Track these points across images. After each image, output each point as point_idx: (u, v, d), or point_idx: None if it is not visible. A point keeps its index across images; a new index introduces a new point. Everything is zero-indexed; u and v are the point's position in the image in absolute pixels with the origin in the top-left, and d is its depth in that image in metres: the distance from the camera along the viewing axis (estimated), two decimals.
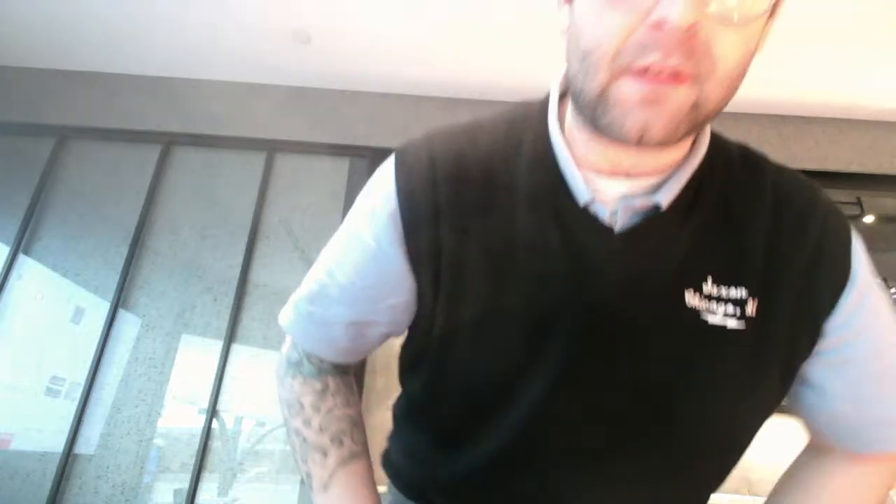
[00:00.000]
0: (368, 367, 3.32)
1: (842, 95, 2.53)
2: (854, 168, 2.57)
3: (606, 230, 0.46)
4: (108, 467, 2.01)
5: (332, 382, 0.62)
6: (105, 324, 2.18)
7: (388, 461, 0.68)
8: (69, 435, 2.01)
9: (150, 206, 2.41)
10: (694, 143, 0.48)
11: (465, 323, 0.48)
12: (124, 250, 2.31)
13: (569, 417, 0.48)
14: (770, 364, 0.47)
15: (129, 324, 2.21)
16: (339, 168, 2.53)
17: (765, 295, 0.46)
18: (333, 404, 0.61)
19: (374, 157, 2.57)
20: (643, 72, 0.38)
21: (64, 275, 2.30)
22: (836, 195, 3.54)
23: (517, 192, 0.49)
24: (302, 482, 2.01)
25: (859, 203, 3.69)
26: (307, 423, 0.59)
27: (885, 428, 0.50)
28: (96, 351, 2.13)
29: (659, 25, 0.36)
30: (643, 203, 0.46)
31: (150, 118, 2.55)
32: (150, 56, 2.52)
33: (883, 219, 3.70)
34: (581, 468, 0.50)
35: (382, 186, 0.53)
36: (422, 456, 0.61)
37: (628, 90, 0.39)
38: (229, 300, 2.26)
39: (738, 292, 0.46)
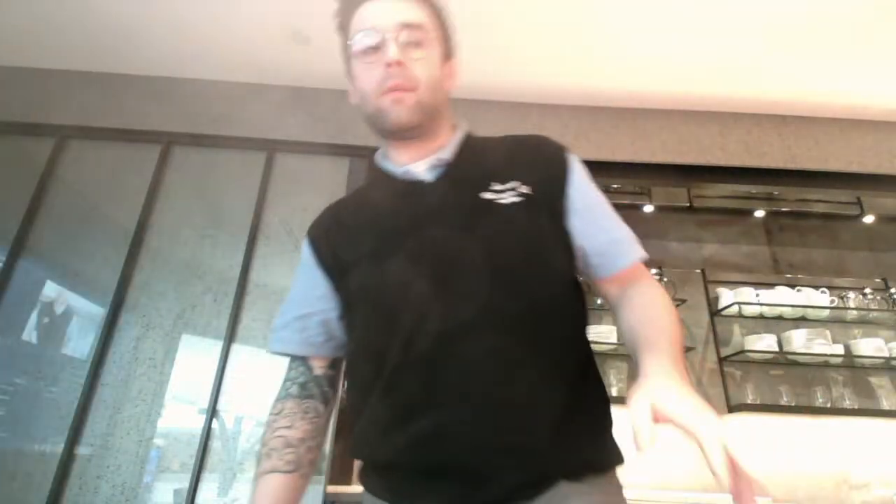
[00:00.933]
0: None
1: (842, 95, 2.53)
2: (854, 168, 2.57)
3: (421, 181, 0.80)
4: (108, 467, 2.01)
5: (287, 406, 0.81)
6: (105, 324, 2.18)
7: (362, 473, 0.77)
8: (69, 435, 2.01)
9: (150, 206, 2.41)
10: (453, 135, 0.86)
11: (355, 271, 0.79)
12: (124, 250, 2.31)
13: (416, 294, 0.71)
14: (541, 211, 0.77)
15: (129, 324, 2.22)
16: (339, 168, 2.53)
17: (529, 185, 0.77)
18: (279, 426, 0.79)
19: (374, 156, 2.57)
20: (389, 90, 0.76)
21: (64, 275, 2.31)
22: (836, 195, 3.55)
23: (368, 200, 0.88)
24: None
25: (859, 203, 3.69)
26: (263, 436, 0.81)
27: (614, 247, 0.79)
28: (96, 351, 2.13)
29: (388, 64, 0.75)
30: (437, 161, 0.81)
31: (150, 118, 2.55)
32: (150, 56, 2.52)
33: (883, 219, 3.70)
34: (432, 315, 0.70)
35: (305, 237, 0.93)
36: (366, 413, 0.74)
37: (386, 100, 0.77)
38: (229, 300, 2.26)
39: (511, 185, 0.77)
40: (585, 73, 2.47)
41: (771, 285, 3.50)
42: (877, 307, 3.43)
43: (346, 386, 0.85)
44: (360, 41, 0.80)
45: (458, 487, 0.66)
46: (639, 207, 3.77)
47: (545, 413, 0.67)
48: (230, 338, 2.19)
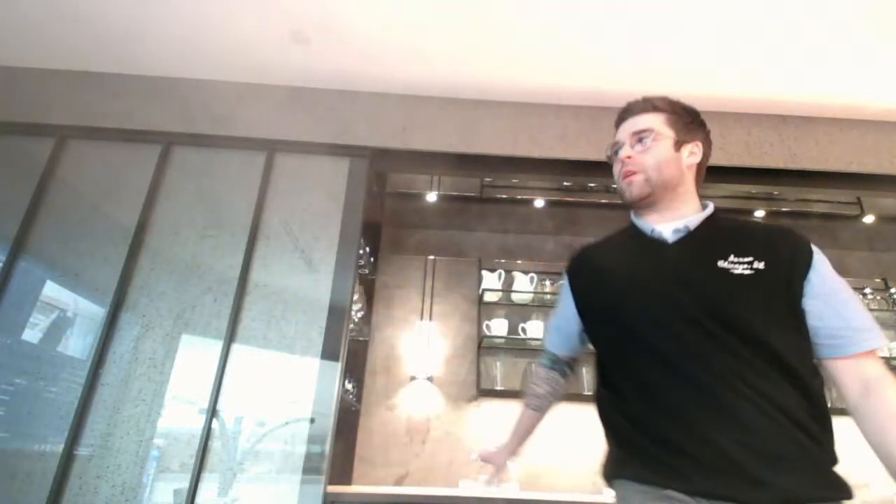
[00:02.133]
0: (369, 368, 3.32)
1: (842, 95, 2.53)
2: (854, 168, 2.56)
3: (665, 241, 1.04)
4: (108, 467, 2.01)
5: (540, 372, 1.31)
6: (105, 324, 2.18)
7: (608, 464, 1.04)
8: (69, 435, 2.01)
9: (150, 206, 2.41)
10: (703, 209, 1.08)
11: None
12: (124, 250, 2.31)
13: (679, 330, 0.94)
14: (773, 284, 0.92)
15: (129, 324, 2.22)
16: (339, 168, 2.53)
17: (767, 260, 0.93)
18: (533, 382, 1.32)
19: (374, 156, 2.57)
20: (624, 175, 1.09)
21: (64, 275, 2.31)
22: (836, 195, 3.55)
23: (620, 247, 1.14)
24: (302, 482, 2.01)
25: (859, 203, 3.69)
26: (528, 385, 1.35)
27: (848, 333, 0.91)
28: (96, 351, 2.13)
29: (621, 160, 1.10)
30: (682, 227, 1.03)
31: (150, 118, 2.55)
32: (150, 56, 2.52)
33: (883, 219, 3.70)
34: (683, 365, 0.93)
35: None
36: (628, 410, 0.98)
37: (623, 183, 1.09)
38: (229, 300, 2.26)
39: (748, 259, 0.94)
40: (585, 74, 2.47)
41: None
42: (877, 307, 3.43)
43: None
44: (612, 149, 1.15)
45: None
46: None
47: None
48: (230, 338, 2.19)
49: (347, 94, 2.65)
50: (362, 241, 2.67)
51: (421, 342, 3.37)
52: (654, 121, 1.07)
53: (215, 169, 2.53)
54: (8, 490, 1.96)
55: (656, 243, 1.04)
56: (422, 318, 3.46)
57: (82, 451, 2.02)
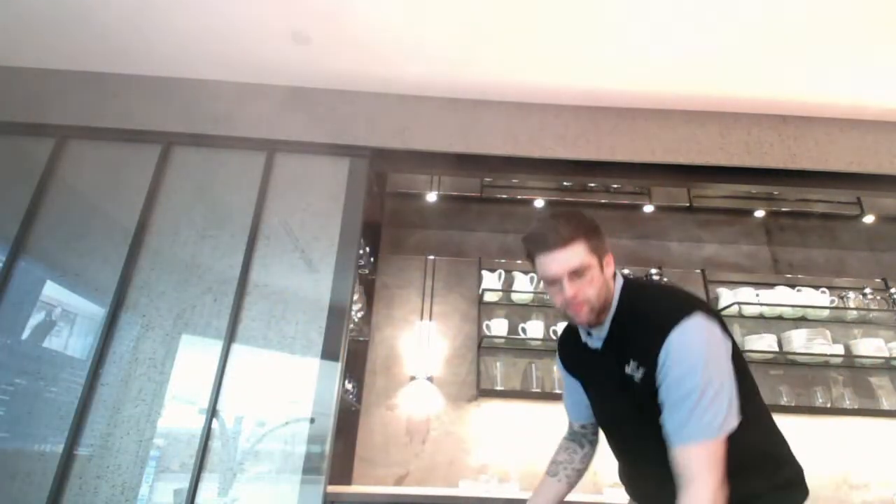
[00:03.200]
0: (369, 368, 3.32)
1: (842, 95, 2.53)
2: (854, 168, 2.56)
3: (596, 350, 1.24)
4: (108, 467, 2.01)
5: (562, 442, 1.42)
6: (105, 324, 2.18)
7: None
8: (69, 435, 2.01)
9: (150, 206, 2.41)
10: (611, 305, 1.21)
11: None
12: (124, 250, 2.31)
13: (605, 425, 1.33)
14: (650, 392, 1.11)
15: (129, 324, 2.22)
16: (339, 168, 2.53)
17: (644, 366, 1.11)
18: (557, 450, 1.41)
19: (374, 156, 2.57)
20: (570, 308, 1.16)
21: (64, 275, 2.31)
22: (836, 195, 3.55)
23: (575, 345, 1.32)
24: (302, 482, 2.01)
25: (859, 203, 3.69)
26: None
27: (674, 429, 1.05)
28: (96, 351, 2.13)
29: (565, 299, 1.15)
30: (601, 336, 1.22)
31: (150, 118, 2.55)
32: (150, 56, 2.52)
33: (883, 219, 3.71)
34: (614, 446, 1.30)
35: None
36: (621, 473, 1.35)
37: (570, 313, 1.17)
38: (229, 300, 2.26)
39: (636, 364, 1.13)
40: (585, 73, 2.47)
41: (771, 285, 3.51)
42: (877, 307, 3.43)
43: None
44: (548, 286, 1.20)
45: None
46: (639, 207, 3.77)
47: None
48: (230, 338, 2.19)
49: (347, 94, 2.65)
50: (362, 241, 2.67)
51: (421, 342, 3.37)
52: (581, 253, 1.14)
53: (215, 169, 2.54)
54: (8, 490, 1.96)
55: (591, 350, 1.25)
56: (422, 318, 3.46)
57: (82, 451, 2.02)
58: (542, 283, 1.22)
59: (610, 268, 1.19)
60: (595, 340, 1.22)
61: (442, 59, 2.43)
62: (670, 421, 1.04)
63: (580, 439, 1.40)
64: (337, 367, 2.16)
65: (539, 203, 3.70)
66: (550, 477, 1.35)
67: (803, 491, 1.13)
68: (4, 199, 2.41)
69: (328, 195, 2.48)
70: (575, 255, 1.13)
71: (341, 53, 2.41)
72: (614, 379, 1.16)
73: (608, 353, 1.19)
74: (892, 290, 3.53)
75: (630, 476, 1.30)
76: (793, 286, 3.47)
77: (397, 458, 3.09)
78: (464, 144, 2.56)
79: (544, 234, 1.15)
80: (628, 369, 1.13)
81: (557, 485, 1.34)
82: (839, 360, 3.28)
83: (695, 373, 1.02)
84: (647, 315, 1.13)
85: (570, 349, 1.35)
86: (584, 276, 1.13)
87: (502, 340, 3.31)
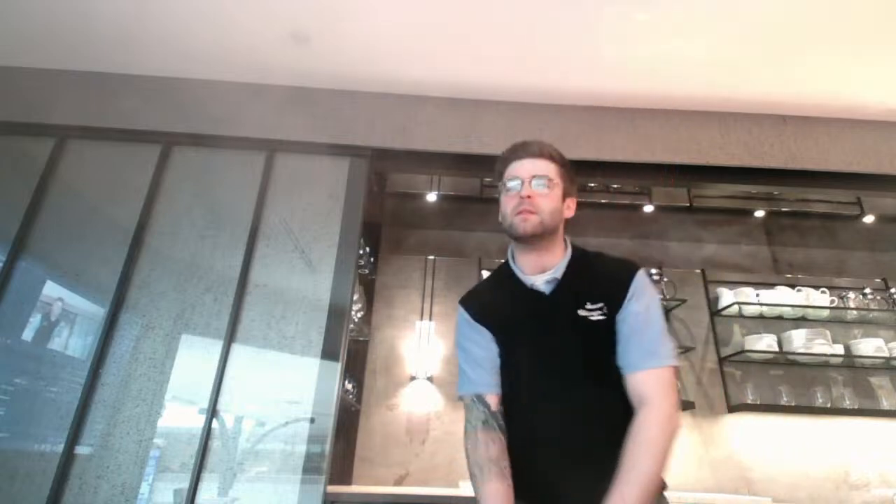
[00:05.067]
0: (369, 368, 3.32)
1: (842, 95, 2.53)
2: (854, 168, 2.56)
3: (542, 293, 1.22)
4: (108, 467, 2.01)
5: (483, 435, 1.18)
6: (105, 324, 2.18)
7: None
8: (69, 435, 2.01)
9: (150, 207, 2.41)
10: (564, 252, 1.25)
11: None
12: (124, 250, 2.31)
13: (535, 374, 1.20)
14: (614, 327, 1.16)
15: (129, 324, 2.22)
16: (339, 168, 2.53)
17: (608, 306, 1.16)
18: (479, 447, 1.17)
19: (374, 156, 2.57)
20: (520, 212, 1.18)
21: (64, 275, 2.31)
22: (836, 195, 3.55)
23: (502, 294, 1.28)
24: (302, 482, 2.01)
25: (859, 203, 3.70)
26: (474, 461, 1.18)
27: (638, 356, 1.12)
28: (96, 351, 2.13)
29: (521, 196, 1.19)
30: (552, 279, 1.21)
31: (150, 118, 2.55)
32: (150, 56, 2.52)
33: (883, 219, 3.71)
34: (542, 400, 1.19)
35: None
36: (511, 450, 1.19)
37: (518, 218, 1.19)
38: (229, 300, 2.26)
39: (599, 305, 1.16)
40: (586, 74, 2.47)
41: (771, 285, 3.51)
42: (877, 307, 3.43)
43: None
44: (509, 183, 1.22)
45: None
46: (639, 207, 3.77)
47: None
48: (230, 338, 2.19)
49: (347, 94, 2.65)
50: (362, 241, 2.67)
51: (421, 342, 3.37)
52: (551, 169, 1.22)
53: (215, 169, 2.53)
54: (8, 490, 1.96)
55: (534, 294, 1.21)
56: (422, 318, 3.46)
57: (82, 451, 2.02)
58: (501, 195, 1.24)
59: (570, 211, 1.25)
60: (545, 285, 1.20)
61: (442, 59, 2.43)
62: (637, 347, 1.12)
63: (498, 422, 1.18)
64: (337, 367, 2.16)
65: None
66: (500, 482, 1.10)
67: None
68: (4, 199, 2.41)
69: (328, 195, 2.48)
70: (547, 167, 1.22)
71: (341, 53, 2.41)
72: (561, 321, 1.17)
73: (559, 295, 1.19)
74: (892, 290, 3.53)
75: (548, 458, 1.13)
76: (793, 286, 3.47)
77: (397, 458, 3.09)
78: (464, 144, 2.56)
79: (529, 143, 1.25)
80: (581, 312, 1.16)
81: (509, 490, 1.10)
82: (839, 360, 3.28)
83: (657, 305, 1.16)
84: (607, 263, 1.23)
85: (486, 300, 1.30)
86: (545, 188, 1.19)
87: None
